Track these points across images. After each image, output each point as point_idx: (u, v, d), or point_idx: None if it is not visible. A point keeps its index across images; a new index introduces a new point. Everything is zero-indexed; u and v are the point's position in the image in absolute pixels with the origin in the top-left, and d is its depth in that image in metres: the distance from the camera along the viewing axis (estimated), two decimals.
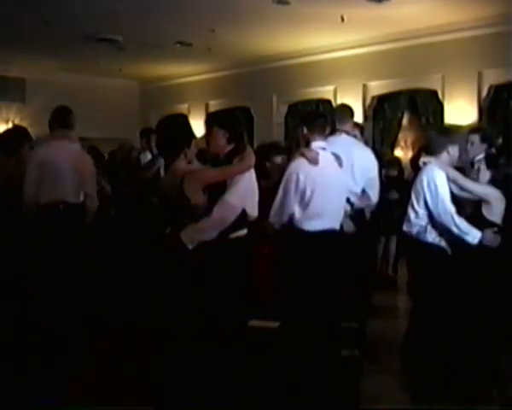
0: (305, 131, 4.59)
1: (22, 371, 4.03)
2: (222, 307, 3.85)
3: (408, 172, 8.07)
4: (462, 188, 4.54)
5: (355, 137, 5.38)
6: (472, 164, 5.08)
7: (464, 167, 4.97)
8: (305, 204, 4.43)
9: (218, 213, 3.91)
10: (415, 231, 4.57)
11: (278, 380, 2.81)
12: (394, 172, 8.22)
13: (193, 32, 9.98)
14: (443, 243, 4.47)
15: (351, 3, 8.31)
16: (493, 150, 5.32)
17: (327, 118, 4.71)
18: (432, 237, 4.50)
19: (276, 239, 4.68)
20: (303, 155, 4.48)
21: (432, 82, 9.84)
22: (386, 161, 8.33)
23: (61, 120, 5.15)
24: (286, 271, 4.48)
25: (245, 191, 4.02)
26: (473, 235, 4.38)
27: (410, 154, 10.06)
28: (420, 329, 4.68)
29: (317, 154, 4.45)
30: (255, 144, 11.07)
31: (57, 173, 5.00)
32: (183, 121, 4.47)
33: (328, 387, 2.80)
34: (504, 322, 4.72)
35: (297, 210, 4.45)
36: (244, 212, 3.99)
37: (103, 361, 4.97)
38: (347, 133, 5.23)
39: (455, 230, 4.41)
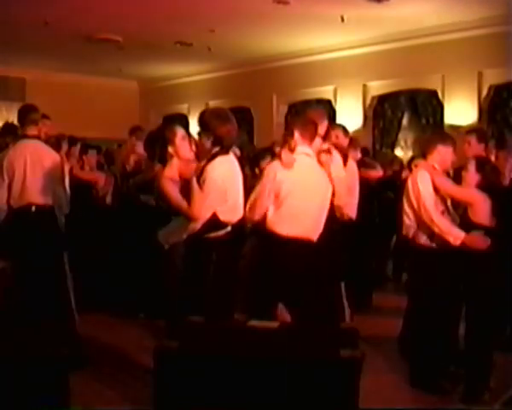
0: (297, 136, 4.47)
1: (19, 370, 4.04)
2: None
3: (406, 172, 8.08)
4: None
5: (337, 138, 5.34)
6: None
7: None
8: (278, 203, 4.33)
9: (183, 219, 4.06)
10: (411, 233, 4.58)
11: (277, 380, 2.81)
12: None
13: (193, 32, 9.98)
14: (434, 244, 4.47)
15: (351, 3, 8.31)
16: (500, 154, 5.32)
17: (317, 126, 4.63)
18: (423, 238, 4.50)
19: (250, 238, 4.71)
20: (279, 156, 4.42)
21: (432, 82, 9.84)
22: (389, 161, 8.32)
23: (22, 119, 5.04)
24: (256, 271, 4.50)
25: (215, 202, 4.01)
26: (454, 235, 4.33)
27: (410, 154, 10.06)
28: (414, 329, 4.70)
29: (293, 159, 4.37)
30: (255, 144, 11.15)
31: (25, 175, 4.86)
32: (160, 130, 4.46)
33: (328, 387, 2.80)
34: (502, 320, 4.73)
35: (270, 209, 4.36)
36: (215, 217, 4.01)
37: (102, 361, 4.98)
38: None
39: (435, 229, 4.39)
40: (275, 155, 4.96)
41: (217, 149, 4.08)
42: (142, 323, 6.12)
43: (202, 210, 3.97)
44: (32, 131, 4.97)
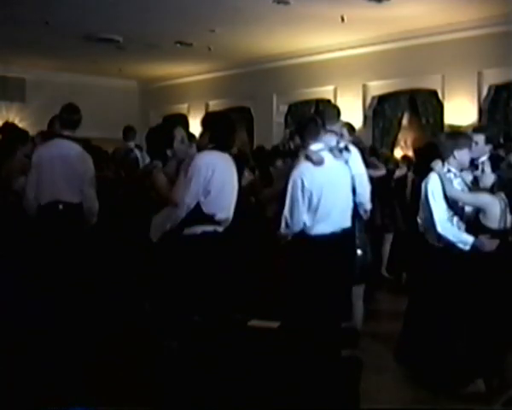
0: (299, 140, 4.62)
1: (26, 372, 4.04)
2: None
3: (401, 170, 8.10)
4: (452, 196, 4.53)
5: (341, 136, 5.26)
6: (475, 164, 5.07)
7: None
8: (313, 210, 4.41)
9: (167, 208, 4.07)
10: (421, 230, 4.63)
11: (278, 380, 2.81)
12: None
13: (193, 32, 9.99)
14: (441, 244, 4.50)
15: (351, 3, 8.32)
16: (501, 152, 5.31)
17: (317, 121, 4.66)
18: (431, 238, 4.54)
19: (289, 249, 4.67)
20: (307, 157, 4.46)
21: (432, 82, 9.84)
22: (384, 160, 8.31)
23: (62, 118, 5.10)
24: (299, 280, 4.48)
25: (198, 189, 4.03)
26: (463, 241, 4.40)
27: (410, 154, 10.06)
28: (414, 330, 4.69)
29: (321, 155, 4.45)
30: (255, 144, 11.16)
31: (54, 173, 4.96)
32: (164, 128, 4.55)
33: (328, 387, 2.80)
34: (502, 323, 4.72)
35: (307, 218, 4.43)
36: (199, 208, 4.02)
37: (102, 362, 4.98)
38: (335, 134, 5.17)
39: (443, 239, 4.47)
40: (289, 155, 5.02)
41: (212, 145, 4.14)
42: (142, 323, 6.11)
43: (183, 195, 4.00)
44: (67, 132, 5.03)
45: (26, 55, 11.58)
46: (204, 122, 4.30)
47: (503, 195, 4.41)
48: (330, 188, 4.43)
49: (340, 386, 2.78)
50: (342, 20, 9.00)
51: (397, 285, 7.90)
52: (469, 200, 4.53)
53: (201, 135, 4.30)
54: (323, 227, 4.42)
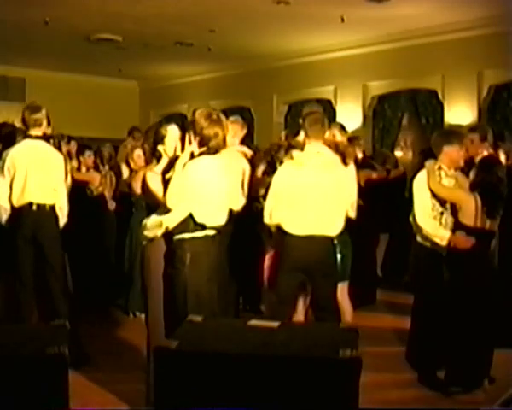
0: (303, 135, 4.65)
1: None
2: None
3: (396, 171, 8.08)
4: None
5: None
6: (473, 163, 5.07)
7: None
8: (288, 206, 4.43)
9: (158, 216, 4.05)
10: (414, 230, 4.65)
11: (277, 380, 2.81)
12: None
13: (193, 32, 9.99)
14: (427, 244, 4.52)
15: (351, 3, 8.32)
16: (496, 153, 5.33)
17: (324, 122, 4.65)
18: (420, 237, 4.57)
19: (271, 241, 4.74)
20: (291, 156, 4.55)
21: (432, 82, 9.85)
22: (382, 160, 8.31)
23: (25, 120, 5.02)
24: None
25: (187, 203, 4.01)
26: (440, 236, 4.43)
27: (410, 154, 10.08)
28: (418, 329, 4.70)
29: (304, 156, 4.49)
30: (255, 144, 11.16)
31: (26, 174, 4.89)
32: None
33: (327, 387, 2.79)
34: (499, 321, 4.73)
35: (283, 212, 4.45)
36: (191, 217, 4.00)
37: (102, 361, 4.98)
38: None
39: (423, 231, 4.51)
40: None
41: (203, 149, 4.07)
42: (142, 323, 6.11)
43: (177, 198, 3.98)
44: (35, 131, 4.97)
45: (26, 55, 11.58)
46: (192, 121, 4.09)
47: (477, 193, 4.38)
48: (311, 190, 4.44)
49: (339, 386, 2.77)
50: (342, 20, 9.00)
51: (396, 285, 7.91)
52: (445, 194, 4.52)
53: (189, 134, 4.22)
54: (298, 228, 4.42)
